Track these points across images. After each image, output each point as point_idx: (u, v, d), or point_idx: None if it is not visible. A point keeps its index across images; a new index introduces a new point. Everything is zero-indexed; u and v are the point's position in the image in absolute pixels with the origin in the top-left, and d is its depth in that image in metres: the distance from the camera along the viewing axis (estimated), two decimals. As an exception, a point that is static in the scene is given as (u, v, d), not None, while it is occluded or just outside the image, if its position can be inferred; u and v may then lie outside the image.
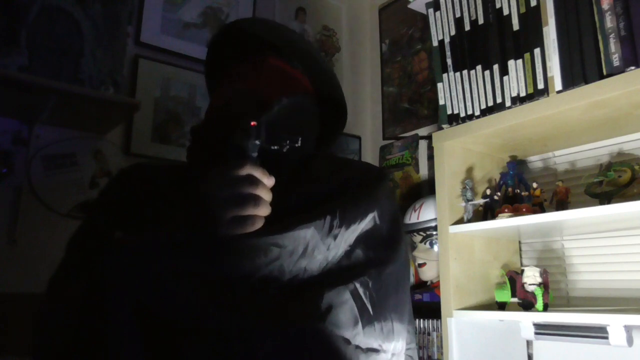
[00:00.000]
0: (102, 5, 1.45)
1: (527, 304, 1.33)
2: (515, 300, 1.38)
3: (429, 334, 1.61)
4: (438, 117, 1.59)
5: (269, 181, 0.69)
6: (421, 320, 1.63)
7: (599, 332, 1.23)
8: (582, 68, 1.23)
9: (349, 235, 0.75)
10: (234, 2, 2.00)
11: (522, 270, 1.37)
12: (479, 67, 1.46)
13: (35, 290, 0.78)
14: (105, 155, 1.63)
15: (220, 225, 0.66)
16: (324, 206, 0.74)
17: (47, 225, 1.48)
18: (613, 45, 1.17)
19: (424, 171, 2.01)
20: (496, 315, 1.38)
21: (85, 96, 1.38)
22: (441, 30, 1.58)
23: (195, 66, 1.81)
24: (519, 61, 1.37)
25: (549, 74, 1.31)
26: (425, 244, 1.71)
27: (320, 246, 0.71)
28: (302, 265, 0.70)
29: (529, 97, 1.35)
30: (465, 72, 1.50)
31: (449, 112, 1.54)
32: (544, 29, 1.32)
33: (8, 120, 1.47)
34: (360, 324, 0.71)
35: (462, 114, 1.50)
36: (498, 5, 1.43)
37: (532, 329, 1.39)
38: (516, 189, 1.46)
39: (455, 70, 1.53)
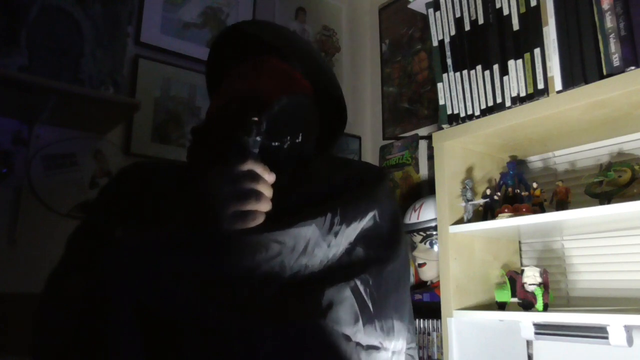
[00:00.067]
0: (102, 5, 1.45)
1: (527, 304, 1.33)
2: (515, 300, 1.38)
3: (429, 334, 1.61)
4: (438, 117, 1.59)
5: (269, 177, 0.70)
6: (421, 320, 1.63)
7: (599, 332, 1.23)
8: (582, 68, 1.23)
9: (349, 233, 0.75)
10: (234, 2, 2.00)
11: (522, 270, 1.37)
12: (479, 67, 1.46)
13: (35, 290, 0.78)
14: (105, 155, 1.63)
15: (221, 220, 0.66)
16: (324, 204, 0.75)
17: (47, 225, 1.48)
18: (613, 45, 1.17)
19: (424, 171, 2.01)
20: (496, 315, 1.38)
21: (85, 96, 1.38)
22: (441, 30, 1.58)
23: (195, 66, 1.81)
24: (519, 61, 1.37)
25: (549, 74, 1.31)
26: (425, 244, 1.71)
27: (321, 243, 0.71)
28: (303, 262, 0.70)
29: (529, 97, 1.35)
30: (465, 72, 1.50)
31: (449, 112, 1.54)
32: (544, 29, 1.32)
33: (8, 120, 1.47)
34: (360, 322, 0.71)
35: (462, 114, 1.50)
36: (498, 5, 1.43)
37: (532, 329, 1.39)
38: (516, 189, 1.46)
39: (455, 70, 1.53)
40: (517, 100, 1.37)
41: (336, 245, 0.73)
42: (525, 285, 1.34)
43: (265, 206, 0.69)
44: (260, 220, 0.68)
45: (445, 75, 1.56)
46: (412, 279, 1.81)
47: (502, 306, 1.42)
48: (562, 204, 1.30)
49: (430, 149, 1.92)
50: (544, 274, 1.34)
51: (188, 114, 1.82)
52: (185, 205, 0.71)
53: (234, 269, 0.66)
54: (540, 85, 1.32)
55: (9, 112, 1.45)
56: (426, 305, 1.65)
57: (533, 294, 1.32)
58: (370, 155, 2.31)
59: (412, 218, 1.74)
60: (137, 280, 0.64)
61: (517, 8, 1.38)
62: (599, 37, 1.20)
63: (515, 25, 1.39)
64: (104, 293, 0.64)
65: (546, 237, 1.61)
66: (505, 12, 1.41)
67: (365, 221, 0.78)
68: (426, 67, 2.13)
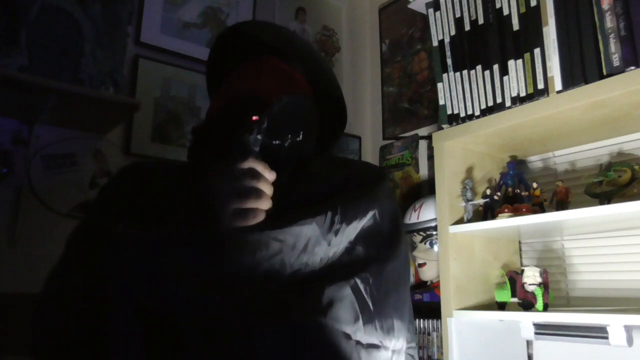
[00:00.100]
0: (102, 5, 1.45)
1: (527, 304, 1.33)
2: (515, 300, 1.38)
3: (429, 334, 1.61)
4: (438, 117, 1.59)
5: (270, 175, 0.70)
6: (421, 320, 1.63)
7: (599, 332, 1.23)
8: (582, 68, 1.23)
9: (349, 232, 0.76)
10: (234, 2, 2.00)
11: (522, 270, 1.37)
12: (479, 67, 1.46)
13: (35, 290, 0.78)
14: (105, 155, 1.63)
15: (222, 217, 0.67)
16: (325, 203, 0.75)
17: (47, 225, 1.48)
18: (613, 45, 1.17)
19: (424, 171, 2.01)
20: (496, 315, 1.38)
21: (85, 96, 1.38)
22: (441, 30, 1.58)
23: (195, 66, 1.81)
24: (519, 61, 1.37)
25: (549, 74, 1.31)
26: (425, 244, 1.71)
27: (322, 242, 0.72)
28: (304, 260, 0.70)
29: (529, 97, 1.35)
30: (465, 72, 1.50)
31: (449, 112, 1.54)
32: (544, 29, 1.32)
33: (8, 120, 1.47)
34: (360, 320, 0.71)
35: (462, 114, 1.50)
36: (498, 5, 1.43)
37: (532, 329, 1.39)
38: (516, 189, 1.46)
39: (455, 70, 1.53)
40: (517, 100, 1.37)
41: (336, 243, 0.74)
42: (525, 285, 1.34)
43: (265, 204, 0.69)
44: (260, 217, 0.68)
45: (445, 75, 1.56)
46: (412, 279, 1.81)
47: (502, 306, 1.42)
48: (562, 204, 1.30)
49: (430, 149, 1.92)
50: (544, 274, 1.34)
51: (188, 114, 1.82)
52: (185, 203, 0.71)
53: (235, 266, 0.66)
54: (540, 85, 1.32)
55: (9, 112, 1.45)
56: (426, 305, 1.65)
57: (533, 294, 1.32)
58: (370, 155, 2.31)
59: (412, 218, 1.74)
60: (137, 278, 0.64)
61: (517, 8, 1.38)
62: (599, 37, 1.20)
63: (515, 25, 1.39)
64: (104, 291, 0.64)
65: (546, 237, 1.61)
66: (505, 12, 1.41)
67: (366, 220, 0.78)
68: (426, 67, 2.13)
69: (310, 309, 0.68)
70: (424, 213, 1.71)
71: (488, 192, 1.48)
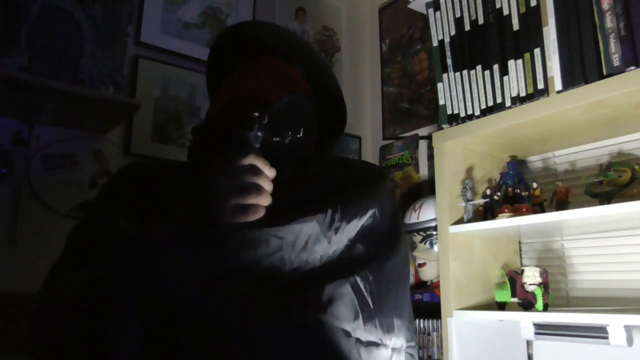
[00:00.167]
0: (102, 5, 1.45)
1: (527, 304, 1.33)
2: (515, 300, 1.38)
3: (429, 334, 1.61)
4: (438, 117, 1.59)
5: (270, 172, 0.70)
6: (421, 320, 1.63)
7: (599, 332, 1.23)
8: (582, 68, 1.23)
9: (349, 230, 0.76)
10: (234, 2, 2.00)
11: (522, 270, 1.37)
12: (479, 67, 1.46)
13: (35, 290, 0.78)
14: (105, 155, 1.63)
15: (222, 213, 0.67)
16: (325, 201, 0.75)
17: (47, 225, 1.48)
18: (613, 45, 1.17)
19: (424, 171, 2.01)
20: (496, 315, 1.38)
21: (85, 96, 1.38)
22: (441, 30, 1.58)
23: (195, 66, 1.81)
24: (519, 61, 1.37)
25: (549, 74, 1.31)
26: (425, 244, 1.71)
27: (322, 239, 0.72)
28: (304, 258, 0.70)
29: (529, 97, 1.35)
30: (465, 72, 1.50)
31: (449, 112, 1.54)
32: (544, 29, 1.32)
33: (8, 120, 1.47)
34: (360, 318, 0.71)
35: (462, 114, 1.50)
36: (498, 5, 1.43)
37: (532, 329, 1.39)
38: (516, 189, 1.46)
39: (455, 70, 1.53)
40: (517, 100, 1.37)
41: (336, 241, 0.74)
42: (525, 285, 1.34)
43: (265, 200, 0.69)
44: (260, 214, 0.69)
45: (445, 75, 1.56)
46: (412, 279, 1.81)
47: (502, 306, 1.42)
48: (562, 204, 1.30)
49: (430, 149, 1.92)
50: (544, 274, 1.34)
51: (188, 114, 1.82)
52: (186, 199, 0.72)
53: (235, 263, 0.67)
54: (540, 85, 1.32)
55: (9, 112, 1.45)
56: (426, 305, 1.65)
57: (533, 294, 1.32)
58: (370, 155, 2.31)
59: (412, 218, 1.74)
60: (137, 276, 0.64)
61: (517, 8, 1.38)
62: (599, 37, 1.20)
63: (515, 25, 1.39)
64: (104, 289, 0.64)
65: (546, 237, 1.61)
66: (505, 12, 1.41)
67: (366, 218, 0.78)
68: (426, 67, 2.13)
69: (310, 306, 0.68)
70: (424, 213, 1.71)
71: (488, 192, 1.48)
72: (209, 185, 0.69)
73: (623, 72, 1.16)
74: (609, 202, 1.22)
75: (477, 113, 1.46)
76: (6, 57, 1.29)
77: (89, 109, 1.45)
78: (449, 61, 1.55)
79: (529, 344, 1.56)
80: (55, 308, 0.72)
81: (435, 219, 1.62)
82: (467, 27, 1.51)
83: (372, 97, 2.39)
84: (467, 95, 1.49)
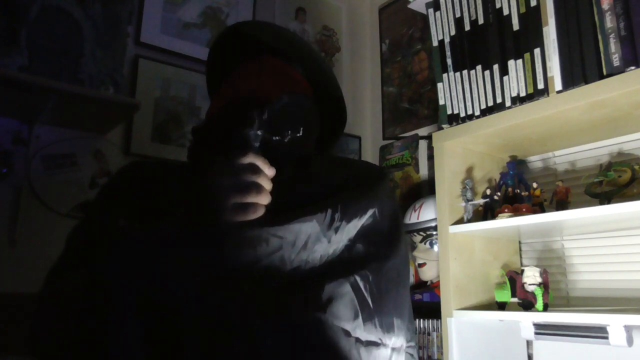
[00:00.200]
0: (102, 5, 1.45)
1: (527, 304, 1.33)
2: (515, 300, 1.38)
3: (429, 334, 1.61)
4: (438, 117, 1.59)
5: (269, 171, 0.70)
6: (421, 320, 1.63)
7: (599, 332, 1.23)
8: (582, 68, 1.23)
9: (349, 230, 0.76)
10: (234, 2, 2.00)
11: (522, 270, 1.37)
12: (479, 67, 1.46)
13: (35, 290, 0.78)
14: (105, 155, 1.63)
15: (222, 212, 0.67)
16: (325, 200, 0.75)
17: (47, 225, 1.48)
18: (613, 45, 1.17)
19: (424, 171, 2.01)
20: (496, 315, 1.38)
21: (85, 96, 1.38)
22: (441, 30, 1.58)
23: (195, 66, 1.81)
24: (519, 61, 1.37)
25: (549, 74, 1.31)
26: (425, 244, 1.71)
27: (322, 239, 0.72)
28: (304, 257, 0.70)
29: (529, 97, 1.35)
30: (465, 72, 1.50)
31: (449, 112, 1.54)
32: (544, 29, 1.32)
33: (8, 120, 1.47)
34: (360, 317, 0.71)
35: (462, 114, 1.50)
36: (498, 5, 1.43)
37: (532, 329, 1.39)
38: (516, 189, 1.46)
39: (455, 70, 1.53)
40: (517, 100, 1.37)
41: (336, 241, 0.74)
42: (525, 285, 1.34)
43: (265, 199, 0.69)
44: (260, 212, 0.69)
45: (445, 75, 1.56)
46: (412, 279, 1.81)
47: (502, 306, 1.42)
48: (562, 204, 1.30)
49: (430, 149, 1.92)
50: (544, 274, 1.34)
51: (188, 114, 1.82)
52: (186, 197, 0.72)
53: (235, 261, 0.67)
54: (540, 85, 1.32)
55: (9, 112, 1.45)
56: (426, 305, 1.65)
57: (533, 294, 1.32)
58: (370, 155, 2.31)
59: (412, 218, 1.74)
60: (137, 274, 0.64)
61: (517, 8, 1.38)
62: (599, 37, 1.20)
63: (515, 25, 1.39)
64: (104, 287, 0.64)
65: (546, 237, 1.61)
66: (505, 12, 1.41)
67: (366, 218, 0.78)
68: (426, 67, 2.13)
69: (309, 305, 0.68)
70: (424, 213, 1.71)
71: (488, 192, 1.48)
72: (209, 185, 0.69)
73: (623, 72, 1.16)
74: (609, 202, 1.22)
75: (477, 113, 1.46)
76: (6, 57, 1.29)
77: (89, 109, 1.45)
78: (449, 61, 1.55)
79: (529, 344, 1.56)
80: (55, 308, 0.72)
81: (435, 219, 1.62)
82: (467, 27, 1.51)
83: (372, 97, 2.39)
84: (467, 95, 1.49)
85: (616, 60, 1.17)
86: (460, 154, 1.57)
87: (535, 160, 1.68)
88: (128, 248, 0.65)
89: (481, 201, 1.48)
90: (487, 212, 1.47)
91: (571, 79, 1.25)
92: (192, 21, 1.89)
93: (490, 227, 1.40)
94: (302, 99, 0.93)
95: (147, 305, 0.64)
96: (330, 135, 1.06)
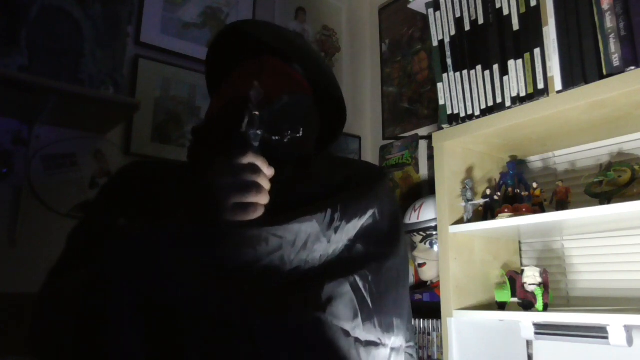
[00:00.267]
0: (102, 5, 1.45)
1: (527, 304, 1.33)
2: (515, 300, 1.38)
3: (429, 334, 1.61)
4: (438, 117, 1.59)
5: (269, 171, 0.70)
6: (421, 320, 1.63)
7: (599, 332, 1.23)
8: (582, 68, 1.23)
9: (349, 230, 0.76)
10: (234, 2, 2.00)
11: (522, 270, 1.37)
12: (479, 67, 1.46)
13: (35, 290, 0.78)
14: (105, 155, 1.63)
15: (222, 211, 0.67)
16: (325, 200, 0.75)
17: (47, 225, 1.48)
18: (613, 45, 1.17)
19: (424, 171, 2.01)
20: (496, 315, 1.38)
21: (85, 96, 1.38)
22: (441, 30, 1.58)
23: (195, 66, 1.81)
24: (519, 61, 1.37)
25: (549, 74, 1.31)
26: (425, 244, 1.71)
27: (321, 239, 0.72)
28: (303, 257, 0.70)
29: (529, 97, 1.35)
30: (465, 72, 1.50)
31: (449, 112, 1.54)
32: (544, 29, 1.32)
33: (8, 120, 1.47)
34: (360, 317, 0.71)
35: (462, 114, 1.50)
36: (498, 5, 1.43)
37: (532, 329, 1.39)
38: (516, 189, 1.46)
39: (455, 70, 1.53)
40: (517, 100, 1.37)
41: (336, 241, 0.74)
42: (525, 285, 1.34)
43: (264, 199, 0.69)
44: (260, 212, 0.69)
45: (445, 75, 1.56)
46: (412, 279, 1.81)
47: (502, 306, 1.42)
48: (562, 204, 1.30)
49: (430, 149, 1.92)
50: (544, 274, 1.34)
51: (188, 114, 1.82)
52: (186, 197, 0.72)
53: (235, 261, 0.67)
54: (540, 85, 1.32)
55: (9, 112, 1.45)
56: (426, 305, 1.65)
57: (533, 294, 1.32)
58: (370, 155, 2.31)
59: (412, 218, 1.74)
60: (137, 274, 0.64)
61: (517, 8, 1.38)
62: (599, 37, 1.20)
63: (515, 25, 1.39)
64: (104, 287, 0.64)
65: (546, 237, 1.61)
66: (505, 12, 1.41)
67: (365, 218, 0.78)
68: (426, 67, 2.13)
69: (309, 305, 0.68)
70: (424, 213, 1.71)
71: (488, 192, 1.48)
72: (209, 184, 0.69)
73: (623, 72, 1.16)
74: (609, 202, 1.22)
75: (477, 113, 1.46)
76: (6, 57, 1.29)
77: (89, 109, 1.45)
78: (449, 61, 1.55)
79: (529, 344, 1.56)
80: (55, 308, 0.72)
81: (435, 219, 1.62)
82: (467, 27, 1.51)
83: (372, 97, 2.39)
84: (467, 95, 1.49)
85: (616, 60, 1.17)
86: (460, 154, 1.57)
87: (535, 160, 1.68)
88: (128, 248, 0.66)
89: (481, 201, 1.48)
90: (487, 212, 1.47)
91: (571, 79, 1.25)
92: (192, 21, 1.89)
93: (490, 227, 1.40)
94: (302, 99, 0.93)
95: (147, 305, 0.64)
96: (330, 135, 1.06)
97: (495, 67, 1.42)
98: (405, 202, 1.95)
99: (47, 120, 1.49)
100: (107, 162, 1.63)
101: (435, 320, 1.58)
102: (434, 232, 1.67)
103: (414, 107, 2.15)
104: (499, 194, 1.47)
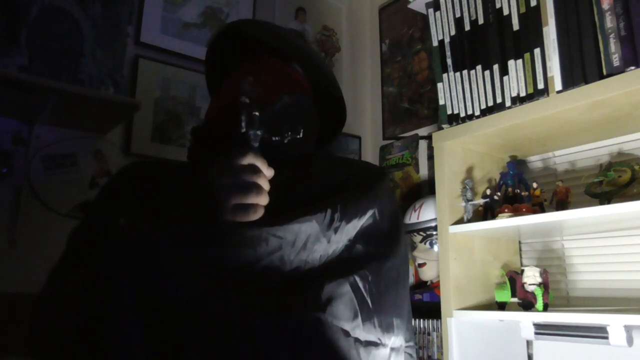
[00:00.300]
0: (102, 5, 1.46)
1: (527, 304, 1.33)
2: (515, 300, 1.38)
3: (429, 334, 1.61)
4: (438, 117, 1.59)
5: (268, 172, 0.70)
6: (421, 320, 1.63)
7: (599, 332, 1.23)
8: (582, 68, 1.23)
9: (349, 230, 0.76)
10: (234, 2, 2.00)
11: (522, 270, 1.37)
12: (479, 67, 1.46)
13: (35, 290, 0.78)
14: (105, 155, 1.63)
15: (223, 212, 0.67)
16: (325, 200, 0.75)
17: (47, 225, 1.48)
18: (613, 45, 1.17)
19: (424, 171, 2.01)
20: (496, 315, 1.38)
21: (85, 96, 1.38)
22: (441, 30, 1.58)
23: (195, 66, 1.81)
24: (519, 61, 1.37)
25: (549, 74, 1.31)
26: (425, 244, 1.71)
27: (321, 239, 0.72)
28: (303, 258, 0.70)
29: (529, 97, 1.35)
30: (465, 72, 1.50)
31: (449, 112, 1.54)
32: (544, 29, 1.32)
33: (8, 120, 1.47)
34: (359, 317, 0.72)
35: (462, 114, 1.50)
36: (498, 5, 1.43)
37: (532, 329, 1.39)
38: (516, 189, 1.46)
39: (455, 70, 1.53)
40: (517, 100, 1.37)
41: (336, 241, 0.74)
42: (525, 285, 1.34)
43: (264, 200, 0.69)
44: (260, 213, 0.69)
45: (445, 75, 1.56)
46: (412, 279, 1.81)
47: (502, 306, 1.42)
48: (562, 204, 1.30)
49: (430, 149, 1.92)
50: (544, 274, 1.34)
51: (188, 114, 1.82)
52: (186, 198, 0.72)
53: (235, 262, 0.67)
54: (540, 85, 1.32)
55: (9, 112, 1.45)
56: (426, 305, 1.65)
57: (533, 294, 1.32)
58: (370, 155, 2.31)
59: (412, 218, 1.74)
60: (138, 274, 0.64)
61: (517, 8, 1.38)
62: (599, 37, 1.20)
63: (515, 25, 1.39)
64: (105, 287, 0.64)
65: (546, 237, 1.61)
66: (505, 12, 1.41)
67: (365, 219, 0.78)
68: (426, 67, 2.13)
69: (309, 305, 0.68)
70: (424, 213, 1.71)
71: (488, 192, 1.48)
72: (209, 185, 0.69)
73: (623, 72, 1.16)
74: (609, 202, 1.22)
75: (477, 113, 1.46)
76: (6, 57, 1.29)
77: (89, 109, 1.45)
78: (449, 61, 1.55)
79: (529, 344, 1.56)
80: (55, 308, 0.72)
81: (435, 219, 1.62)
82: (467, 27, 1.51)
83: (372, 97, 2.39)
84: (467, 95, 1.49)
85: (616, 60, 1.16)
86: (460, 154, 1.57)
87: (535, 160, 1.68)
88: (128, 248, 0.66)
89: (481, 201, 1.48)
90: (487, 212, 1.47)
91: (571, 79, 1.25)
92: (192, 21, 1.89)
93: (490, 227, 1.40)
94: (302, 99, 0.93)
95: (147, 305, 0.64)
96: (329, 135, 1.06)
97: (495, 67, 1.42)
98: (405, 202, 1.95)
99: (47, 120, 1.50)
100: (107, 162, 1.63)
101: (435, 320, 1.58)
102: (434, 232, 1.67)
103: (414, 107, 2.15)
104: (499, 194, 1.47)
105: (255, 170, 0.69)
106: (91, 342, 0.63)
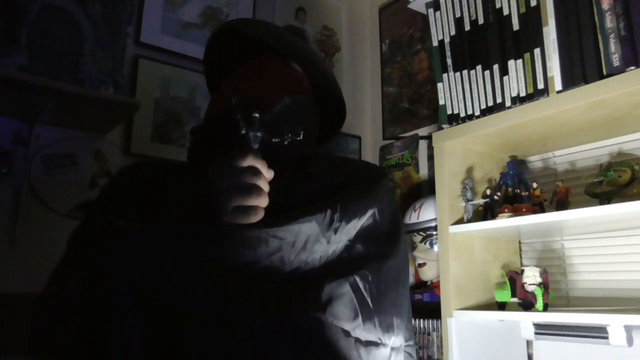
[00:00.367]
0: (102, 5, 1.46)
1: (527, 304, 1.33)
2: (515, 300, 1.38)
3: (429, 334, 1.61)
4: (438, 117, 1.59)
5: (268, 173, 0.70)
6: (421, 320, 1.63)
7: (599, 332, 1.23)
8: (582, 68, 1.23)
9: (349, 230, 0.76)
10: (234, 2, 2.00)
11: (522, 270, 1.37)
12: (479, 67, 1.46)
13: (35, 290, 0.78)
14: (105, 155, 1.63)
15: (223, 214, 0.67)
16: (325, 201, 0.75)
17: (47, 225, 1.48)
18: (613, 45, 1.17)
19: (424, 171, 2.01)
20: (496, 315, 1.38)
21: (85, 96, 1.38)
22: (441, 30, 1.58)
23: (195, 66, 1.81)
24: (519, 61, 1.37)
25: (549, 74, 1.31)
26: (425, 244, 1.71)
27: (321, 239, 0.72)
28: (303, 258, 0.70)
29: (529, 97, 1.35)
30: (465, 72, 1.50)
31: (449, 112, 1.54)
32: (544, 29, 1.32)
33: (8, 120, 1.47)
34: (360, 317, 0.72)
35: (462, 114, 1.50)
36: (498, 5, 1.43)
37: (532, 329, 1.39)
38: (516, 189, 1.46)
39: (455, 70, 1.53)
40: (517, 100, 1.37)
41: (336, 241, 0.74)
42: (525, 285, 1.34)
43: (264, 202, 0.69)
44: (261, 215, 0.69)
45: (445, 75, 1.56)
46: (412, 279, 1.81)
47: (502, 306, 1.42)
48: (562, 204, 1.30)
49: (430, 149, 1.92)
50: (544, 274, 1.34)
51: (188, 114, 1.82)
52: (187, 198, 0.72)
53: (235, 262, 0.67)
54: (540, 85, 1.32)
55: (9, 112, 1.45)
56: (426, 305, 1.65)
57: (533, 294, 1.32)
58: (370, 155, 2.31)
59: (412, 218, 1.74)
60: (138, 275, 0.64)
61: (517, 8, 1.38)
62: (599, 37, 1.20)
63: (515, 25, 1.39)
64: (105, 288, 0.64)
65: (546, 237, 1.61)
66: (505, 12, 1.41)
67: (365, 219, 0.78)
68: (426, 67, 2.13)
69: (309, 305, 0.68)
70: (424, 213, 1.71)
71: (488, 192, 1.48)
72: (209, 186, 0.69)
73: (623, 72, 1.16)
74: (609, 202, 1.22)
75: (477, 113, 1.46)
76: (6, 57, 1.30)
77: (89, 109, 1.45)
78: (449, 61, 1.55)
79: (529, 344, 1.56)
80: (55, 308, 0.72)
81: (435, 219, 1.62)
82: (467, 27, 1.51)
83: (372, 97, 2.39)
84: (467, 95, 1.49)
85: (616, 60, 1.16)
86: (460, 154, 1.57)
87: (535, 160, 1.68)
88: (128, 248, 0.66)
89: (481, 201, 1.48)
90: (487, 212, 1.47)
91: (571, 79, 1.25)
92: (192, 21, 1.89)
93: (490, 227, 1.40)
94: (302, 99, 0.93)
95: (148, 306, 0.64)
96: (329, 134, 1.06)
97: (495, 67, 1.42)
98: (405, 202, 1.95)
99: (47, 120, 1.50)
100: (107, 162, 1.63)
101: (435, 320, 1.58)
102: (434, 232, 1.67)
103: (414, 107, 2.15)
104: (499, 194, 1.47)
105: (256, 172, 0.69)
106: (92, 342, 0.63)
